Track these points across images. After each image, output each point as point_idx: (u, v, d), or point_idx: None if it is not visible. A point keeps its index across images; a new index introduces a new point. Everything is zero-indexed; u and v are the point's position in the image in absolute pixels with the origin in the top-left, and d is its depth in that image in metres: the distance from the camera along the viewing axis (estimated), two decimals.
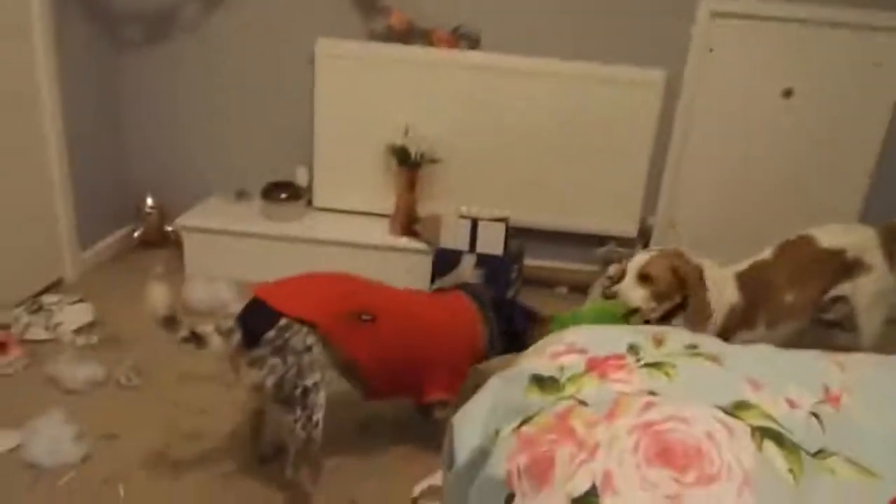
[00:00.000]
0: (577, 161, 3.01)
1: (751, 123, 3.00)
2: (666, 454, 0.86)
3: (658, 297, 2.01)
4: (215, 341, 1.55)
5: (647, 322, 2.06)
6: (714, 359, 1.08)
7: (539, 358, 1.17)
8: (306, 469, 1.67)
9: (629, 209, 3.08)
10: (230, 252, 2.91)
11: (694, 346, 1.11)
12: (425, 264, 2.86)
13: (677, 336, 1.16)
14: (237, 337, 1.58)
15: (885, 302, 2.23)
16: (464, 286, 2.07)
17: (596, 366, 1.08)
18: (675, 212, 3.16)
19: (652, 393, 0.99)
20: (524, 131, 2.98)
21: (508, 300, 2.52)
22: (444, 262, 2.80)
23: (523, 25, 2.91)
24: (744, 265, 2.16)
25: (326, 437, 1.68)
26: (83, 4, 2.79)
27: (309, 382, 1.59)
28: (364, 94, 2.97)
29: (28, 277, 2.60)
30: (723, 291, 2.06)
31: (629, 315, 2.08)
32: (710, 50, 2.89)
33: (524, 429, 0.99)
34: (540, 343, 1.27)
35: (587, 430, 0.93)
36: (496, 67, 2.90)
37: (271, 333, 1.56)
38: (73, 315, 2.44)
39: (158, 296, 1.51)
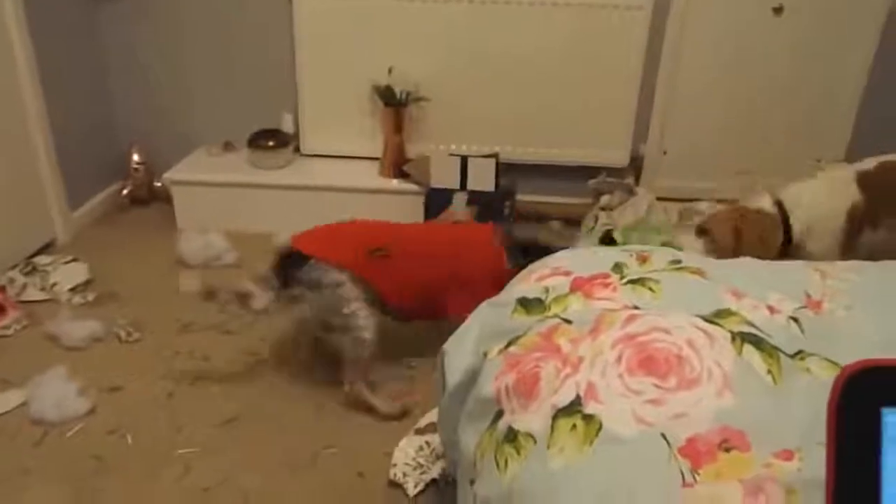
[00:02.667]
0: (565, 92, 2.96)
1: (741, 43, 2.93)
2: (648, 363, 0.88)
3: (714, 252, 1.99)
4: (257, 292, 1.77)
5: None
6: (698, 272, 1.08)
7: (525, 282, 1.18)
8: (362, 380, 1.83)
9: (620, 139, 3.05)
10: (220, 203, 2.90)
11: (678, 262, 1.12)
12: (417, 205, 2.85)
13: (662, 253, 1.17)
14: (275, 282, 1.79)
15: None
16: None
17: (580, 285, 1.09)
18: (665, 139, 3.12)
19: (636, 308, 1.00)
20: (510, 64, 2.91)
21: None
22: (436, 201, 2.79)
23: None
24: (870, 164, 2.14)
25: None
26: None
27: (348, 310, 1.78)
28: (346, 34, 2.90)
29: (20, 240, 2.60)
30: (841, 193, 2.06)
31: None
32: None
33: (511, 349, 1.01)
34: (526, 269, 1.28)
35: (572, 346, 0.95)
36: None
37: (304, 272, 1.77)
38: (67, 274, 2.45)
39: (187, 280, 1.93)
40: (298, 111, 3.05)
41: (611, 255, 1.17)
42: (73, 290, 2.41)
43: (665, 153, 3.15)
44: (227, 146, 3.14)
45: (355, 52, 2.92)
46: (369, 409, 1.84)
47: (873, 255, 2.20)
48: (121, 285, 2.47)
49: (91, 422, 1.82)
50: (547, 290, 1.10)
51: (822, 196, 2.09)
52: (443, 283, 1.93)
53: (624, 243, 2.59)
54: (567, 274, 1.13)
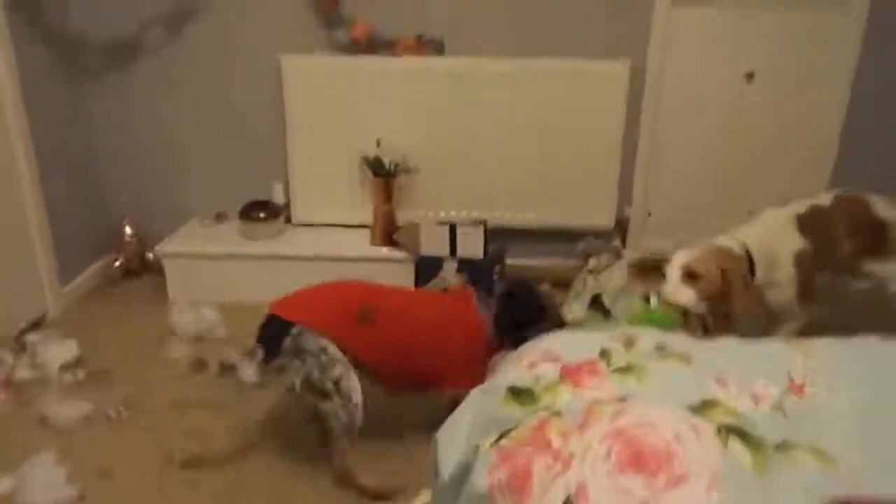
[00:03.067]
0: (549, 158, 3.04)
1: (717, 108, 3.04)
2: (637, 459, 0.89)
3: (706, 296, 1.96)
4: (244, 366, 1.78)
5: (704, 326, 2.04)
6: (683, 358, 1.11)
7: (516, 368, 1.20)
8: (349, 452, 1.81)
9: (605, 202, 3.12)
10: (213, 275, 2.92)
11: (663, 347, 1.15)
12: (408, 272, 2.88)
13: (648, 337, 1.19)
14: (260, 353, 1.79)
15: None
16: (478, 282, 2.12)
17: (569, 374, 1.11)
18: (649, 200, 3.20)
19: (623, 399, 1.03)
20: (495, 132, 3.00)
21: (523, 290, 2.14)
22: (427, 269, 2.83)
23: (486, 27, 2.93)
24: (802, 207, 2.14)
25: None
26: (44, 35, 2.78)
27: (336, 373, 1.76)
28: (334, 108, 2.98)
29: (10, 317, 2.60)
30: (785, 236, 2.08)
31: (683, 317, 2.04)
32: (672, 38, 2.93)
33: (503, 442, 1.02)
34: (517, 351, 1.30)
35: (562, 441, 0.96)
36: (463, 71, 2.92)
37: (288, 340, 1.76)
38: (58, 352, 2.44)
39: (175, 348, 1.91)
40: (289, 182, 3.11)
41: (598, 339, 1.20)
42: (63, 367, 2.40)
43: (650, 214, 3.22)
44: (220, 217, 3.19)
45: (344, 124, 3.00)
46: (360, 489, 1.82)
47: (828, 300, 2.23)
48: (112, 362, 2.46)
49: None
50: (537, 378, 1.12)
51: (772, 241, 2.09)
52: (429, 355, 1.91)
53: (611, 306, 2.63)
54: (556, 360, 1.16)
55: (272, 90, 3.00)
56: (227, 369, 1.81)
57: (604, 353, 1.14)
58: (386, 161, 2.89)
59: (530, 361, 1.19)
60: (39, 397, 2.20)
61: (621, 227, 3.17)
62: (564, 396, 1.05)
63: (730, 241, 2.08)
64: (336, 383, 1.75)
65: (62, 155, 2.91)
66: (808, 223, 2.11)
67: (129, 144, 3.16)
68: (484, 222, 2.83)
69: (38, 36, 2.74)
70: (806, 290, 2.11)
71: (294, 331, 1.77)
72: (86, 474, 1.89)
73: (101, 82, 3.06)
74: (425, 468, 1.81)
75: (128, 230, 3.17)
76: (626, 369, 1.08)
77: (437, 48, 2.92)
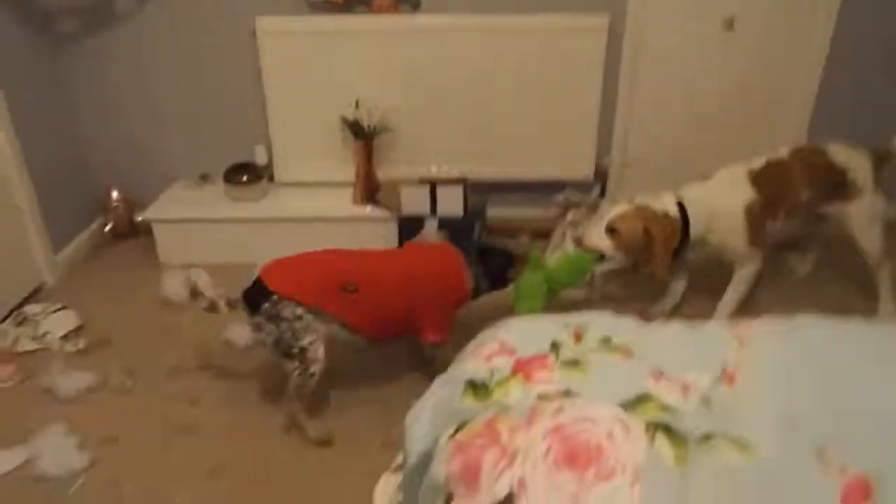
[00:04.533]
0: (529, 111, 3.06)
1: (695, 57, 3.04)
2: (572, 457, 1.00)
3: (623, 249, 2.17)
4: (223, 308, 2.04)
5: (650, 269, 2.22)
6: (625, 351, 1.21)
7: (475, 359, 1.30)
8: (300, 404, 2.03)
9: (584, 153, 3.16)
10: (201, 238, 3.00)
11: (608, 340, 1.24)
12: (391, 231, 2.96)
13: (596, 328, 1.29)
14: (241, 306, 2.01)
15: (879, 220, 2.39)
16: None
17: (521, 368, 1.21)
18: (628, 151, 3.24)
19: (567, 392, 1.13)
20: (474, 88, 3.01)
21: (489, 247, 2.51)
22: (409, 227, 2.91)
23: None
24: (759, 162, 2.30)
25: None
26: (13, 6, 2.74)
27: (305, 342, 1.92)
28: (311, 68, 2.98)
29: (7, 290, 2.69)
30: (735, 192, 2.23)
31: (598, 261, 2.28)
32: None
33: (458, 435, 1.13)
34: (478, 339, 1.40)
35: (510, 436, 1.07)
36: (440, 28, 2.90)
37: (266, 305, 1.93)
38: (58, 323, 2.55)
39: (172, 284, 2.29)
40: (271, 143, 3.14)
41: (551, 330, 1.29)
42: (64, 337, 2.52)
43: (628, 165, 3.27)
44: (204, 177, 3.23)
45: (322, 84, 3.00)
46: (305, 436, 2.03)
47: (779, 240, 2.41)
48: (111, 329, 2.58)
49: (91, 475, 1.94)
50: (492, 371, 1.22)
51: (718, 197, 2.25)
52: (412, 311, 2.07)
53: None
54: (512, 353, 1.25)
55: (249, 52, 2.98)
56: (212, 306, 2.05)
57: (554, 346, 1.23)
58: (365, 122, 2.91)
59: (489, 353, 1.28)
60: (43, 368, 2.33)
61: (601, 177, 3.22)
62: (515, 391, 1.16)
63: (668, 199, 2.23)
64: (302, 350, 1.92)
65: (43, 124, 2.93)
66: (761, 177, 2.25)
67: (110, 110, 3.16)
68: (464, 181, 2.89)
69: (7, 9, 2.70)
70: (756, 237, 2.26)
71: (273, 298, 1.92)
72: (93, 442, 2.04)
73: (79, 50, 3.03)
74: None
75: (114, 194, 3.23)
76: (573, 363, 1.18)
77: (414, 4, 2.88)
